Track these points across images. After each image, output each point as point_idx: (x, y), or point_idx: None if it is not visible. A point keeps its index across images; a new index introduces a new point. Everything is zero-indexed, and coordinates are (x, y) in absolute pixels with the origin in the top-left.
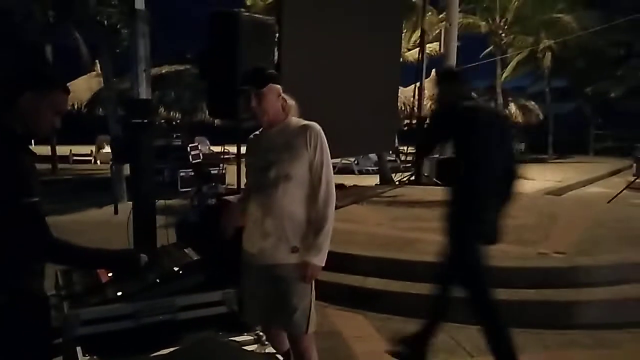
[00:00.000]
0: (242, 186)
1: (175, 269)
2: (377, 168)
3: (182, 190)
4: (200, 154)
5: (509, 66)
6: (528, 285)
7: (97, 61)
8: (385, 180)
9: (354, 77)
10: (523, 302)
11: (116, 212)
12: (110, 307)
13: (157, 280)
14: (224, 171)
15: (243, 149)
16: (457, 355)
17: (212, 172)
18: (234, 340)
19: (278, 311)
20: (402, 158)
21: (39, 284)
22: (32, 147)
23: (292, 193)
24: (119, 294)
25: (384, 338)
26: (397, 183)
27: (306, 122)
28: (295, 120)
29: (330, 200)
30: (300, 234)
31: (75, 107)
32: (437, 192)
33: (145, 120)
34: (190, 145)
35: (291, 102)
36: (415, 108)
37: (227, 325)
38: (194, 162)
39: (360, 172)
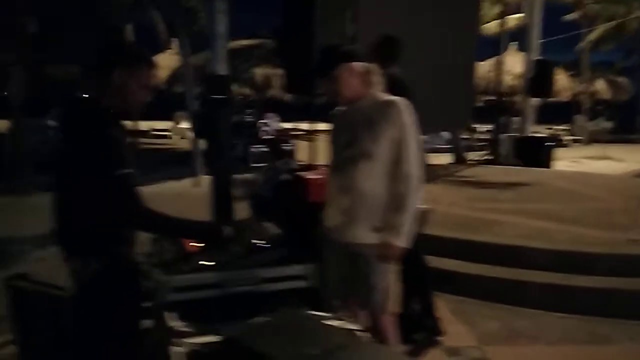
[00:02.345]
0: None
1: (258, 242)
2: (448, 146)
3: (253, 165)
4: (271, 130)
5: (594, 38)
6: (615, 273)
7: (173, 39)
8: (459, 159)
9: (427, 51)
10: (609, 291)
11: (197, 185)
12: (199, 275)
13: (242, 252)
14: (293, 147)
15: (316, 126)
16: (539, 342)
17: (285, 148)
18: (318, 315)
19: (357, 289)
20: (477, 136)
21: (130, 251)
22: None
23: (374, 172)
24: (207, 263)
25: (460, 320)
26: (471, 162)
27: (390, 97)
28: (379, 95)
29: (412, 179)
30: (382, 213)
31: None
32: (516, 173)
33: (224, 96)
34: (261, 121)
35: (375, 76)
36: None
37: (308, 300)
38: (264, 137)
39: (430, 150)
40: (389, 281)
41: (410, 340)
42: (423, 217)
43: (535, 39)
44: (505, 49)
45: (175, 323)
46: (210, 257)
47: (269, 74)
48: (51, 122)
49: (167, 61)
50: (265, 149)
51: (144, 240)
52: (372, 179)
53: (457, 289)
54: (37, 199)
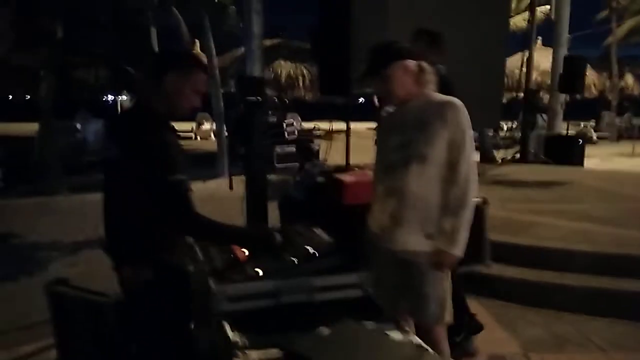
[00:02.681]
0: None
1: (311, 249)
2: (475, 144)
3: (278, 166)
4: (296, 131)
5: (619, 29)
6: None
7: (196, 40)
8: (487, 158)
9: (457, 49)
10: None
11: (231, 187)
12: (253, 284)
13: (295, 260)
14: (318, 147)
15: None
16: (587, 349)
17: (314, 148)
18: (380, 327)
19: (409, 300)
20: (502, 134)
21: (181, 259)
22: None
23: (427, 175)
24: (260, 272)
25: (503, 326)
26: (500, 161)
27: (446, 97)
28: (434, 95)
29: (469, 184)
30: (435, 219)
31: None
32: (547, 171)
33: (259, 98)
34: (285, 121)
35: (428, 74)
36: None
37: (363, 310)
38: (289, 138)
39: None
40: (444, 290)
41: (453, 342)
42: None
43: (564, 34)
44: (532, 44)
45: (233, 335)
46: (261, 265)
47: (292, 74)
48: (78, 125)
49: None
50: (290, 150)
51: (192, 248)
52: (425, 182)
53: (499, 294)
54: (67, 201)
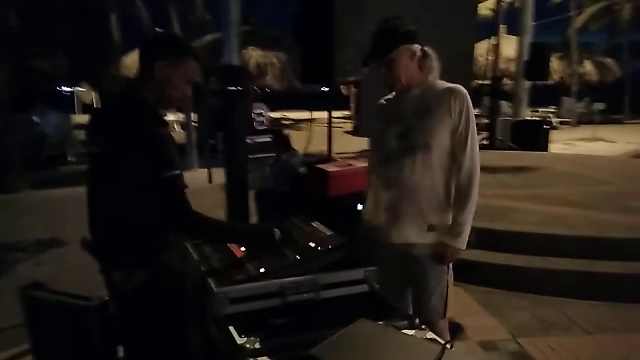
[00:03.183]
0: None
1: (312, 244)
2: None
3: (249, 157)
4: (265, 121)
5: (579, 18)
6: None
7: (158, 29)
8: None
9: (427, 37)
10: (638, 277)
11: (210, 180)
12: (257, 284)
13: (297, 256)
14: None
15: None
16: (574, 332)
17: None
18: (395, 325)
19: (411, 293)
20: None
21: (175, 260)
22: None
23: (430, 165)
24: (262, 270)
25: (489, 312)
26: None
27: (450, 84)
28: (437, 82)
29: (474, 174)
30: (437, 210)
31: None
32: (516, 157)
33: (240, 88)
34: (255, 112)
35: (432, 60)
36: (483, 67)
37: (370, 306)
38: (259, 128)
39: None
40: (446, 284)
41: None
42: None
43: (529, 22)
44: (499, 32)
45: (241, 340)
46: (263, 263)
47: (261, 62)
48: (35, 118)
49: None
50: (263, 140)
51: (185, 247)
52: (428, 172)
53: (483, 280)
54: (29, 197)
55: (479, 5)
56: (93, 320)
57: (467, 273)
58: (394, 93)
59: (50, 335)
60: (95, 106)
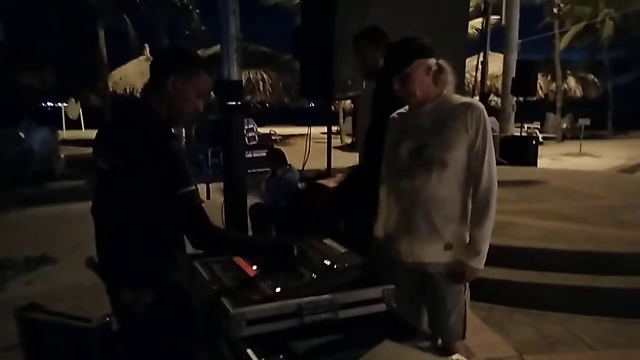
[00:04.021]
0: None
1: (327, 262)
2: None
3: None
4: (256, 136)
5: (565, 37)
6: None
7: (145, 45)
8: None
9: None
10: (638, 291)
11: (208, 196)
12: (274, 304)
13: (314, 275)
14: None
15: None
16: (578, 348)
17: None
18: (418, 346)
19: (427, 314)
20: None
21: (186, 280)
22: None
23: (447, 181)
24: (278, 290)
25: (493, 329)
26: None
27: (466, 99)
28: (453, 96)
29: (492, 192)
30: (454, 228)
31: (128, 91)
32: (508, 172)
33: (239, 103)
34: (246, 127)
35: (447, 74)
36: (471, 84)
37: (390, 325)
38: (249, 143)
39: None
40: (464, 304)
41: None
42: None
43: (515, 40)
44: (487, 49)
45: None
46: (278, 282)
47: (252, 79)
48: (22, 134)
49: (139, 67)
50: (257, 155)
51: (195, 266)
52: (444, 189)
53: (485, 296)
54: (17, 215)
55: (471, 21)
56: (94, 342)
57: (470, 289)
58: (407, 107)
59: (49, 358)
60: (83, 121)
